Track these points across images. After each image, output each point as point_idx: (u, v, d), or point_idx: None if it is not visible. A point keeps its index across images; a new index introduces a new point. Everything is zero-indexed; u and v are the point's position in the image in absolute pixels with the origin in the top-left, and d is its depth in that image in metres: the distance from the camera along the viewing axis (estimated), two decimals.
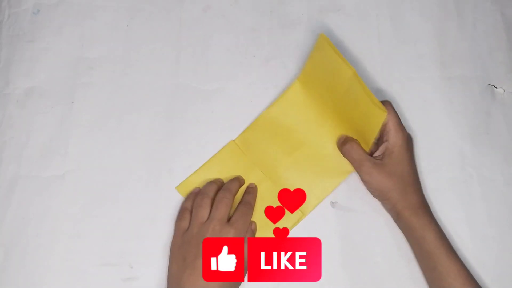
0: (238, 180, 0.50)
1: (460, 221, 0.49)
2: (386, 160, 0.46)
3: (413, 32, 0.57)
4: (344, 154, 0.49)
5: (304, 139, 0.52)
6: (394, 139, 0.46)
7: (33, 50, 0.56)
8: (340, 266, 0.48)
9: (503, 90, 0.55)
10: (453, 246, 0.46)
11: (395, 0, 0.59)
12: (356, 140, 0.49)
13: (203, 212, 0.45)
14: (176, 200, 0.50)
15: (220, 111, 0.54)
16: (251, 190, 0.50)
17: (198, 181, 0.51)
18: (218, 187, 0.48)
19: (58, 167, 0.51)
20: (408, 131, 0.48)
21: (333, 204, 0.50)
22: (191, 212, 0.47)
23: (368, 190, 0.48)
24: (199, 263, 0.42)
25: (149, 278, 0.47)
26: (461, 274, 0.43)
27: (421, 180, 0.50)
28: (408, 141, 0.47)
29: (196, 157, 0.52)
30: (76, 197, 0.50)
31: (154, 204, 0.50)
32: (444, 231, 0.47)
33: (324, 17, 0.58)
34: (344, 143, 0.49)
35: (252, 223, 0.48)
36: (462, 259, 0.45)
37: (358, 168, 0.47)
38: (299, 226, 0.49)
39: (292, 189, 0.50)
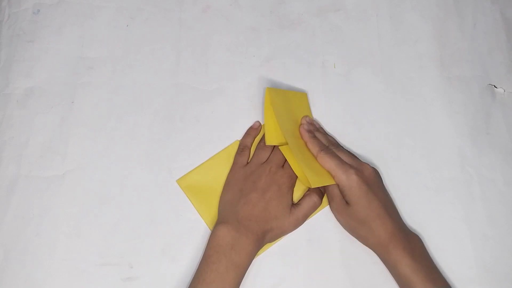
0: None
1: (460, 221, 0.49)
2: (348, 200, 0.46)
3: (413, 32, 0.57)
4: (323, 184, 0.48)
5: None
6: (341, 181, 0.46)
7: (33, 50, 0.56)
8: (340, 266, 0.48)
9: (503, 90, 0.55)
10: (453, 246, 0.45)
11: (395, 0, 0.59)
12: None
13: (264, 155, 0.50)
14: (176, 200, 0.50)
15: (220, 111, 0.54)
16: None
17: (200, 176, 0.51)
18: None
19: (58, 167, 0.51)
20: (408, 130, 0.48)
21: None
22: (250, 149, 0.52)
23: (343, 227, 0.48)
24: (254, 196, 0.46)
25: (149, 278, 0.47)
26: None
27: (421, 180, 0.50)
28: (358, 178, 0.46)
29: (196, 157, 0.52)
30: (76, 197, 0.50)
31: (154, 204, 0.50)
32: (444, 232, 0.47)
33: (324, 17, 0.58)
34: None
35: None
36: (461, 260, 0.45)
37: (330, 204, 0.49)
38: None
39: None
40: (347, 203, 0.46)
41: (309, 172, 0.46)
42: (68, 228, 0.49)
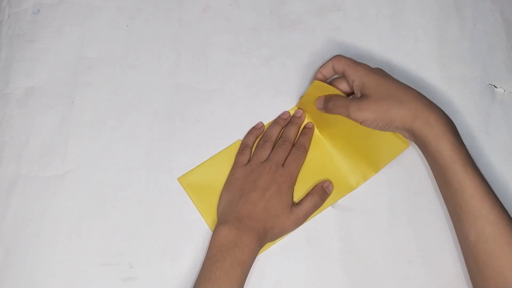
0: (296, 124, 0.53)
1: None
2: (367, 92, 0.45)
3: (413, 32, 0.57)
4: (331, 110, 0.47)
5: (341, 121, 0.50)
6: (355, 75, 0.46)
7: (33, 50, 0.56)
8: (340, 266, 0.48)
9: (503, 90, 0.55)
10: (453, 246, 0.45)
11: (395, 0, 0.59)
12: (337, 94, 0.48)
13: (264, 153, 0.50)
14: (176, 200, 0.50)
15: (220, 111, 0.54)
16: (307, 131, 0.53)
17: (201, 175, 0.51)
18: (281, 129, 0.53)
19: (58, 167, 0.51)
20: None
21: (333, 204, 0.50)
22: (251, 148, 0.51)
23: (371, 127, 0.45)
24: (254, 196, 0.46)
25: (149, 278, 0.47)
26: (479, 191, 0.40)
27: (421, 180, 0.50)
28: (370, 69, 0.46)
29: (196, 157, 0.52)
30: (76, 197, 0.50)
31: (154, 204, 0.50)
32: (444, 232, 0.47)
33: (324, 17, 0.58)
34: (327, 101, 0.48)
35: (327, 181, 0.50)
36: (462, 260, 0.45)
37: (347, 110, 0.45)
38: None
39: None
40: (367, 97, 0.44)
41: (348, 171, 0.50)
42: (68, 228, 0.49)
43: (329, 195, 0.50)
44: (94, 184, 0.51)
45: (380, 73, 0.46)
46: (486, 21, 0.58)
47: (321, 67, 0.50)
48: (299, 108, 0.54)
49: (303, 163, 0.51)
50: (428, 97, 0.54)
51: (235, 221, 0.45)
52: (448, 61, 0.56)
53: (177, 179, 0.51)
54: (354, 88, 0.47)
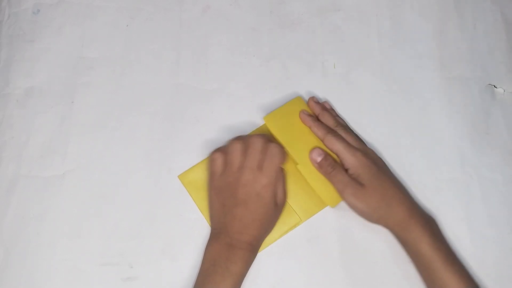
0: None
1: (460, 221, 0.49)
2: (362, 182, 0.46)
3: (413, 32, 0.57)
4: (325, 173, 0.47)
5: (310, 142, 0.50)
6: (350, 163, 0.46)
7: (33, 50, 0.56)
8: (340, 266, 0.48)
9: (503, 90, 0.55)
10: (453, 248, 0.46)
11: (395, 0, 0.59)
12: (340, 164, 0.48)
13: (236, 160, 0.46)
14: (176, 200, 0.50)
15: (220, 111, 0.54)
16: None
17: (202, 172, 0.51)
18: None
19: (58, 167, 0.51)
20: (408, 130, 0.48)
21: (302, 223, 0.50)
22: (224, 154, 0.48)
23: (357, 213, 0.46)
24: (238, 211, 0.45)
25: (149, 278, 0.47)
26: (460, 286, 0.42)
27: (421, 180, 0.50)
28: (367, 159, 0.46)
29: (196, 157, 0.52)
30: (76, 197, 0.50)
31: (154, 204, 0.50)
32: (444, 232, 0.47)
33: (324, 17, 0.58)
34: (325, 160, 0.48)
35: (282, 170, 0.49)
36: (462, 261, 0.45)
37: (342, 191, 0.46)
38: (299, 226, 0.49)
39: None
40: (361, 186, 0.45)
41: (323, 192, 0.48)
42: (68, 228, 0.49)
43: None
44: (94, 184, 0.51)
45: (373, 163, 0.46)
46: (486, 21, 0.58)
47: (314, 126, 0.49)
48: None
49: (280, 159, 0.47)
50: (428, 97, 0.54)
51: (225, 237, 0.45)
52: (448, 61, 0.56)
53: (178, 176, 0.51)
54: (348, 172, 0.47)
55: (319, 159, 0.48)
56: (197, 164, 0.52)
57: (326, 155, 0.48)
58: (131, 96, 0.54)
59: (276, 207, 0.47)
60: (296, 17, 0.58)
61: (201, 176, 0.51)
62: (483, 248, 0.48)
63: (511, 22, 0.58)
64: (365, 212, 0.46)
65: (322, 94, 0.55)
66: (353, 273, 0.48)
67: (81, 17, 0.57)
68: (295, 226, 0.49)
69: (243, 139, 0.48)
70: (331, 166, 0.47)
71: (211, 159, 0.48)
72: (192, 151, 0.52)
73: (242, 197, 0.45)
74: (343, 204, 0.50)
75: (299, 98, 0.53)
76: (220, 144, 0.52)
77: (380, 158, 0.49)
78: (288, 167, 0.50)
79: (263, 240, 0.47)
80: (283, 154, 0.47)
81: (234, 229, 0.45)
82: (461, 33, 0.57)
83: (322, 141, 0.49)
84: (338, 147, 0.47)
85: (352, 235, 0.49)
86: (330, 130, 0.49)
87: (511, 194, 0.50)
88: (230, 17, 0.58)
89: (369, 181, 0.45)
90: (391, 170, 0.51)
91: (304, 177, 0.49)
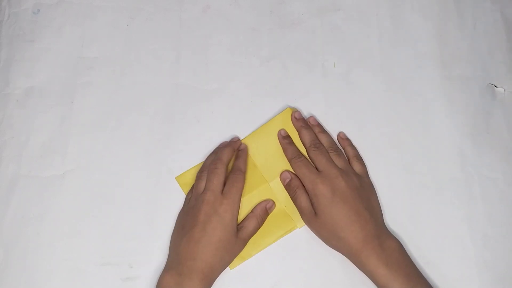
0: (230, 146, 0.50)
1: (460, 221, 0.49)
2: (316, 210, 0.46)
3: (413, 32, 0.57)
4: (290, 192, 0.49)
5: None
6: (309, 190, 0.47)
7: (33, 50, 0.56)
8: (340, 266, 0.48)
9: (503, 90, 0.55)
10: (453, 246, 0.45)
11: (395, 0, 0.59)
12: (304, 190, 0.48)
13: (201, 184, 0.48)
14: (176, 200, 0.50)
15: (220, 111, 0.54)
16: (241, 154, 0.51)
17: None
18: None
19: (58, 167, 0.51)
20: (408, 130, 0.47)
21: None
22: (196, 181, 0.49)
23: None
24: (195, 232, 0.45)
25: (149, 278, 0.47)
26: None
27: (421, 180, 0.50)
28: (324, 187, 0.46)
29: (196, 157, 0.52)
30: (76, 197, 0.50)
31: (154, 204, 0.50)
32: (444, 232, 0.47)
33: (324, 17, 0.58)
34: (295, 179, 0.49)
35: (269, 201, 0.49)
36: (462, 260, 0.45)
37: (300, 215, 0.48)
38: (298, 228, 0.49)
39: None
40: (315, 214, 0.46)
41: (292, 212, 0.49)
42: (68, 228, 0.49)
43: (269, 214, 0.49)
44: (94, 184, 0.51)
45: (330, 192, 0.45)
46: (486, 21, 0.58)
47: (288, 144, 0.50)
48: (239, 139, 0.52)
49: (243, 185, 0.48)
50: (428, 96, 0.54)
51: (176, 265, 0.44)
52: (448, 61, 0.56)
53: (175, 178, 0.51)
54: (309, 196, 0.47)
55: (285, 182, 0.49)
56: (194, 166, 0.51)
57: (292, 179, 0.49)
58: (131, 96, 0.54)
59: (236, 236, 0.46)
60: (296, 17, 0.58)
61: None
62: (483, 248, 0.48)
63: (511, 22, 0.58)
64: (321, 239, 0.47)
65: (322, 94, 0.55)
66: (353, 273, 0.48)
67: (81, 17, 0.57)
68: (290, 231, 0.49)
69: (209, 165, 0.49)
70: (293, 190, 0.48)
71: (188, 191, 0.50)
72: (192, 151, 0.52)
73: (202, 218, 0.45)
74: None
75: (288, 110, 0.53)
76: (219, 143, 0.52)
77: (355, 182, 0.47)
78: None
79: (218, 272, 0.45)
80: (244, 174, 0.49)
81: (187, 253, 0.44)
82: (461, 33, 0.57)
83: (289, 163, 0.50)
84: (299, 172, 0.48)
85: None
86: (296, 155, 0.49)
87: (511, 194, 0.50)
88: (230, 17, 0.58)
89: (322, 211, 0.45)
90: (390, 171, 0.51)
91: (276, 196, 0.50)
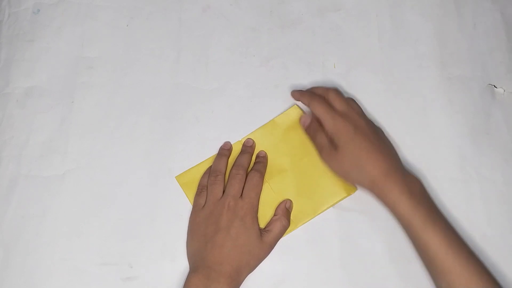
0: (248, 153, 0.51)
1: (460, 221, 0.49)
2: (337, 143, 0.47)
3: (413, 32, 0.57)
4: (309, 134, 0.51)
5: (306, 151, 0.51)
6: (328, 126, 0.48)
7: (33, 50, 0.56)
8: (340, 266, 0.48)
9: (503, 90, 0.55)
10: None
11: (395, 0, 0.59)
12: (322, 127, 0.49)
13: (218, 189, 0.48)
14: (176, 200, 0.50)
15: (220, 111, 0.54)
16: (261, 159, 0.51)
17: (198, 174, 0.51)
18: (227, 160, 0.51)
19: (58, 166, 0.51)
20: (407, 130, 0.47)
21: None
22: (207, 188, 0.49)
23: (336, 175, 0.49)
24: (219, 238, 0.45)
25: (149, 278, 0.47)
26: (441, 246, 0.42)
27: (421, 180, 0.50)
28: (345, 122, 0.47)
29: (196, 157, 0.52)
30: (76, 196, 0.50)
31: (154, 204, 0.50)
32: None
33: (324, 17, 0.58)
34: (309, 127, 0.51)
35: (288, 201, 0.49)
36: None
37: (319, 153, 0.49)
38: (299, 227, 0.49)
39: (283, 198, 0.50)
40: (335, 149, 0.47)
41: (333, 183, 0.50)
42: (68, 228, 0.49)
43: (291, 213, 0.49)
44: (94, 184, 0.51)
45: (351, 126, 0.47)
46: (486, 21, 0.58)
47: (301, 95, 0.52)
48: (249, 138, 0.52)
49: (261, 189, 0.49)
50: (428, 97, 0.54)
51: (204, 269, 0.44)
52: (448, 61, 0.56)
53: (175, 177, 0.51)
54: (328, 135, 0.48)
55: (305, 125, 0.51)
56: (194, 166, 0.52)
57: (312, 121, 0.50)
58: (131, 96, 0.54)
59: (261, 240, 0.46)
60: (296, 17, 0.58)
61: (197, 177, 0.51)
62: (483, 248, 0.48)
63: (511, 22, 0.58)
64: (340, 174, 0.48)
65: None
66: (353, 273, 0.48)
67: (81, 17, 0.57)
68: (342, 199, 0.50)
69: (223, 167, 0.50)
70: (313, 130, 0.50)
71: (196, 194, 0.50)
72: (192, 151, 0.52)
73: (224, 224, 0.45)
74: (343, 204, 0.50)
75: (294, 108, 0.53)
76: (220, 144, 0.52)
77: (371, 124, 0.49)
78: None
79: (244, 276, 0.45)
80: (262, 177, 0.50)
81: (214, 258, 0.44)
82: (461, 33, 0.57)
83: (308, 106, 0.51)
84: (319, 111, 0.49)
85: (352, 235, 0.49)
86: (314, 96, 0.50)
87: (511, 194, 0.50)
88: (230, 17, 0.58)
89: (344, 144, 0.46)
90: None
91: (277, 195, 0.50)
